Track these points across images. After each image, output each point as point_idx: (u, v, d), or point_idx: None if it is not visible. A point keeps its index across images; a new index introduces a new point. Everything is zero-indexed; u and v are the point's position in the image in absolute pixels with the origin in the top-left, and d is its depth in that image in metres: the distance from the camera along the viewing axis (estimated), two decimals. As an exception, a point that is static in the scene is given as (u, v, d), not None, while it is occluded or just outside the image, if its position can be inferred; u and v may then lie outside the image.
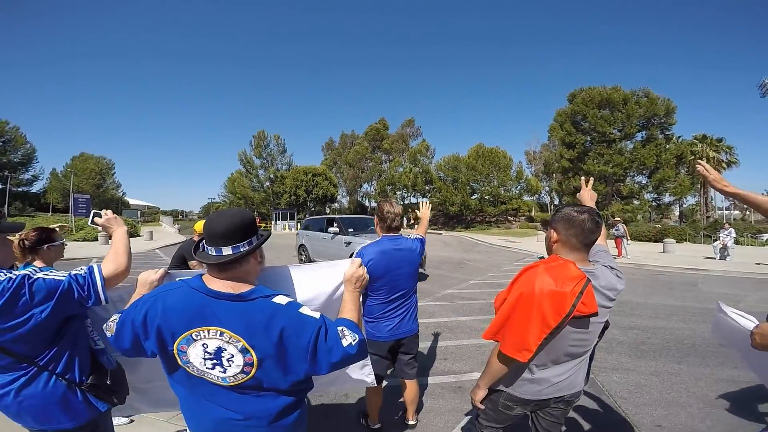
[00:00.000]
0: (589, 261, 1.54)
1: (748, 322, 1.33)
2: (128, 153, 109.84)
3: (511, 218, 39.37)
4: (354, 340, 1.11)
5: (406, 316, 2.35)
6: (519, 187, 40.51)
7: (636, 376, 3.80)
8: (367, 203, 57.06)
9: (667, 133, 31.02)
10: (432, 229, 40.21)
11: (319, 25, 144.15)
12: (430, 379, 3.66)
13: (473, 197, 40.76)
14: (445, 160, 43.70)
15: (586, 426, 2.91)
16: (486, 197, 39.83)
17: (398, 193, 49.67)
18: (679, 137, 31.91)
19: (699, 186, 32.20)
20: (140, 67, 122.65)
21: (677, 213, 35.33)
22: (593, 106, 31.16)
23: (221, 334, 1.06)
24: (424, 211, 2.89)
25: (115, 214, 1.64)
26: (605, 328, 3.28)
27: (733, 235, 13.74)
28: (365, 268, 1.52)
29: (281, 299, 1.11)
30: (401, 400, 2.76)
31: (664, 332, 5.17)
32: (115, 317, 1.18)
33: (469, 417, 2.91)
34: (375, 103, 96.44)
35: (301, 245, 11.59)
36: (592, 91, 31.68)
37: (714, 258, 13.57)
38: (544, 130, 37.71)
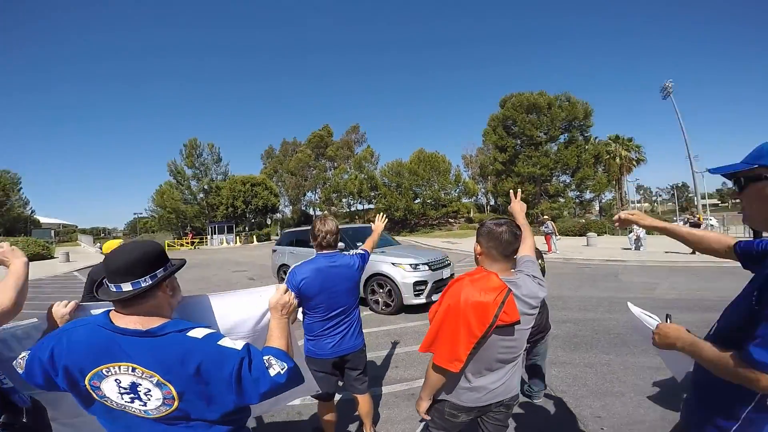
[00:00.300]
0: (513, 270, 1.61)
1: (652, 322, 1.40)
2: (38, 166, 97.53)
3: (452, 220, 40.83)
4: (282, 369, 1.08)
5: (348, 333, 2.34)
6: (458, 190, 42.21)
7: (572, 369, 3.96)
8: (312, 212, 55.93)
9: (585, 134, 33.96)
10: (378, 235, 40.35)
11: (255, 36, 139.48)
12: (384, 389, 3.65)
13: (416, 201, 41.68)
14: (389, 165, 44.26)
15: (534, 422, 3.02)
16: (428, 201, 40.96)
17: (344, 200, 49.27)
18: (596, 138, 35.22)
19: (614, 182, 35.91)
20: (53, 70, 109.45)
21: (597, 208, 39.08)
22: (522, 111, 33.33)
23: (133, 369, 1.05)
24: (378, 224, 2.88)
25: (13, 246, 1.51)
26: (545, 330, 3.30)
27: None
28: (292, 294, 1.41)
29: (197, 332, 1.08)
30: (357, 413, 2.71)
31: (593, 324, 5.49)
32: (24, 354, 1.12)
33: (424, 423, 2.84)
34: (318, 111, 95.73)
35: (283, 265, 9.19)
36: (521, 97, 33.85)
37: (630, 249, 15.07)
38: (480, 134, 39.77)
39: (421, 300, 6.38)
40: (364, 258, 2.51)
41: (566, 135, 33.71)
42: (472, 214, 43.28)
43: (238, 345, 1.09)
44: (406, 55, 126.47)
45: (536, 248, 3.11)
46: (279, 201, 47.75)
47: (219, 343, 1.07)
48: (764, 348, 0.96)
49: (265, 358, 1.10)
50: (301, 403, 3.28)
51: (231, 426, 1.14)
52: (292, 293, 1.39)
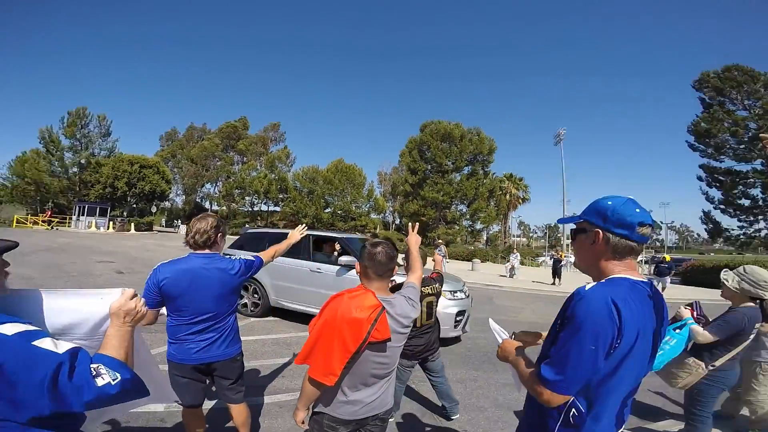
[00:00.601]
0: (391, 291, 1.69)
1: (502, 337, 1.59)
2: None
3: (359, 234, 41.56)
4: (114, 380, 1.01)
5: (218, 340, 2.17)
6: (368, 205, 43.19)
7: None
8: (208, 205, 51.38)
9: (486, 169, 37.65)
10: (281, 239, 38.79)
11: (175, 32, 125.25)
12: (267, 398, 3.50)
13: (326, 211, 41.39)
14: (304, 170, 43.31)
15: None
16: (338, 212, 41.01)
17: (248, 198, 46.44)
18: (494, 174, 39.34)
19: (501, 216, 40.61)
20: None
21: (485, 238, 43.64)
22: (438, 138, 35.73)
23: None
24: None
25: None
26: (433, 349, 3.37)
27: (519, 258, 17.69)
28: (141, 301, 1.28)
29: (7, 328, 0.99)
30: (231, 423, 2.54)
31: (467, 342, 6.06)
32: None
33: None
34: (239, 103, 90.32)
35: (256, 282, 6.40)
36: (439, 125, 36.26)
37: (505, 276, 17.15)
38: (398, 154, 41.38)
39: (458, 332, 5.54)
40: (253, 264, 2.33)
41: (470, 167, 37.01)
42: (378, 230, 44.58)
43: (61, 348, 1.00)
44: (343, 61, 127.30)
45: (440, 273, 3.33)
46: (170, 188, 42.75)
47: (35, 343, 0.98)
48: (550, 366, 1.09)
49: (94, 366, 1.02)
50: (165, 409, 3.03)
51: (54, 430, 1.04)
52: (141, 300, 1.30)
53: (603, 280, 1.14)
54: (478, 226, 38.80)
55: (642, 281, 1.14)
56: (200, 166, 48.38)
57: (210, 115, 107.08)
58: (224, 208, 48.19)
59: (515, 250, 18.91)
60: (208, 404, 3.09)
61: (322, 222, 40.14)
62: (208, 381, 2.29)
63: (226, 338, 2.21)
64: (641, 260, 26.91)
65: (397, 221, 46.40)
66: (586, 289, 1.10)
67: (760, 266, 2.80)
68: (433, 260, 3.62)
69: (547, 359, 1.12)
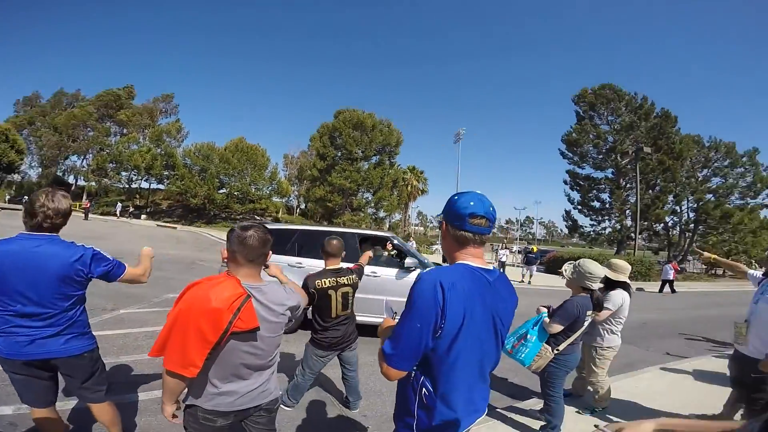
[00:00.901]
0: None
1: (390, 314, 1.59)
2: None
3: (258, 218, 39.27)
4: None
5: (57, 335, 1.91)
6: (270, 187, 40.99)
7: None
8: (72, 180, 43.27)
9: (392, 160, 38.82)
10: (167, 222, 34.63)
11: None
12: (142, 395, 3.22)
13: (221, 191, 38.09)
14: (197, 146, 38.99)
15: (308, 423, 3.07)
16: (235, 193, 38.06)
17: (124, 174, 40.25)
18: (399, 165, 40.74)
19: (403, 206, 42.46)
20: None
21: (387, 225, 45.25)
22: (350, 126, 35.52)
23: None
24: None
25: None
26: (350, 340, 3.21)
27: (415, 245, 18.65)
28: None
29: None
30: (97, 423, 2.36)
31: (359, 328, 6.05)
32: None
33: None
34: (126, 69, 75.83)
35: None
36: (353, 113, 36.05)
37: (404, 264, 17.97)
38: (308, 138, 39.88)
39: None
40: (110, 265, 2.00)
41: (378, 157, 37.71)
42: (280, 215, 42.71)
43: None
44: (253, 39, 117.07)
45: (360, 265, 3.29)
46: (23, 160, 34.83)
47: None
48: (389, 341, 1.16)
49: None
50: (14, 412, 2.71)
51: None
52: None
53: (449, 265, 1.23)
54: (382, 214, 39.94)
55: (482, 268, 1.21)
56: (66, 135, 40.23)
57: (89, 82, 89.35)
58: (93, 183, 40.96)
59: (411, 238, 19.90)
60: (70, 402, 2.77)
61: (215, 204, 36.87)
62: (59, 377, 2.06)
63: (66, 333, 1.94)
64: (516, 250, 30.55)
65: (303, 206, 45.13)
66: (426, 272, 1.17)
67: (603, 260, 3.22)
68: (369, 256, 3.70)
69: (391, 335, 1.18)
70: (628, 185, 30.20)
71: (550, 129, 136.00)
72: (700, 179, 29.74)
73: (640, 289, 15.67)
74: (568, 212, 34.14)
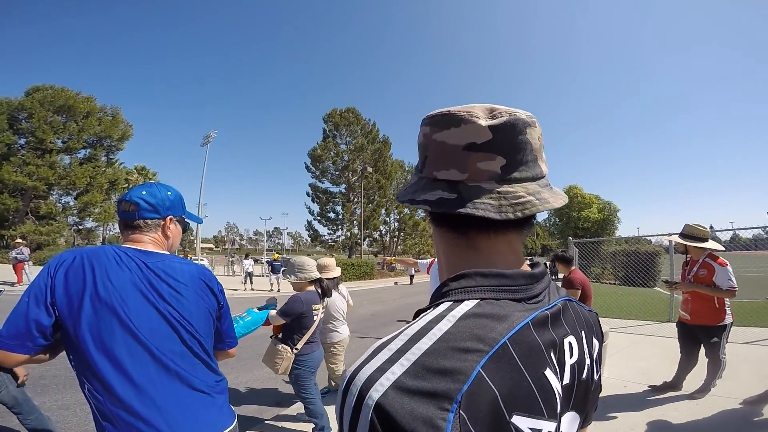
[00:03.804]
0: None
1: None
2: None
3: None
4: None
5: None
6: None
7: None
8: None
9: (111, 156, 30.65)
10: None
11: None
12: None
13: None
14: None
15: None
16: None
17: None
18: (122, 164, 32.72)
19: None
20: None
21: (102, 238, 35.49)
22: (51, 108, 25.51)
23: None
24: None
25: None
26: None
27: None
28: None
29: None
30: None
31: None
32: None
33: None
34: None
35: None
36: (59, 93, 26.13)
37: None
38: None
39: None
40: None
41: (88, 151, 28.88)
42: None
43: None
44: None
45: None
46: None
47: None
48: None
49: None
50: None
51: None
52: None
53: None
54: (90, 223, 30.77)
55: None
56: None
57: None
58: None
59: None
60: None
61: None
62: None
63: None
64: (264, 261, 30.36)
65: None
66: None
67: (338, 264, 3.57)
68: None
69: None
70: (356, 199, 36.35)
71: (298, 142, 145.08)
72: (401, 196, 40.43)
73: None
74: (309, 222, 37.63)
